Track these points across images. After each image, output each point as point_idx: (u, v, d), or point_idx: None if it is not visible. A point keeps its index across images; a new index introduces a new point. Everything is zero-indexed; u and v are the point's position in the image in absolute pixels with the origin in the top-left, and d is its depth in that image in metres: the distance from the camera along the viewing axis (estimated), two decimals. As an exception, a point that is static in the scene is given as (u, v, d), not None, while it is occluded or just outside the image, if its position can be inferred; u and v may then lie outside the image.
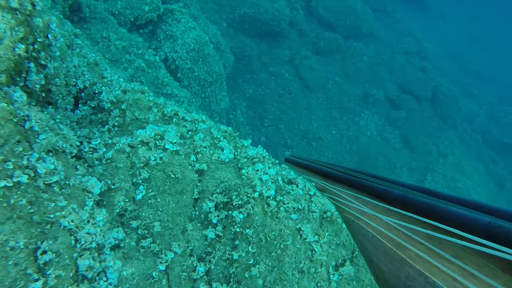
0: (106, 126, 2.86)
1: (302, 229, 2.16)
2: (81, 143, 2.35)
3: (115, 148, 2.43)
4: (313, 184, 1.03)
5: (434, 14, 22.05)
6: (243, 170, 2.50)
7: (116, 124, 2.87)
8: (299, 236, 2.13)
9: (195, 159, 2.55)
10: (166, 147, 2.47)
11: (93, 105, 2.99)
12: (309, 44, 14.31)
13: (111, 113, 2.93)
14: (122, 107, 2.94)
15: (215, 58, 8.11)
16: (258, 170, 2.55)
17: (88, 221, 1.78)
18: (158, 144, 2.49)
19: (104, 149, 2.43)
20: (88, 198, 1.90)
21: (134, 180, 2.31)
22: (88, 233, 1.71)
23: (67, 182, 1.83)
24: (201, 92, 7.76)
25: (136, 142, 2.48)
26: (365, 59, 15.15)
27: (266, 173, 2.54)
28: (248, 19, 12.16)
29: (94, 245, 1.73)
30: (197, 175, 2.45)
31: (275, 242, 2.07)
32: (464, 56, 19.76)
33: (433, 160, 12.39)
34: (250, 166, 2.61)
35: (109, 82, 3.16)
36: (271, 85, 12.10)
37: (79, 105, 3.03)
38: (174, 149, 2.47)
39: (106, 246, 1.87)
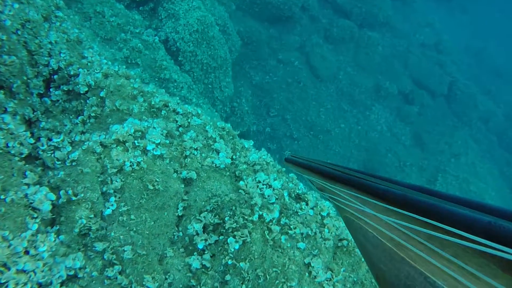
0: (81, 117, 2.38)
1: (312, 264, 1.70)
2: (38, 139, 1.87)
3: (83, 147, 1.95)
4: (314, 184, 1.02)
5: (455, 6, 20.97)
6: (241, 182, 2.02)
7: (92, 114, 2.39)
8: (307, 274, 1.67)
9: (182, 165, 2.07)
10: (147, 148, 1.99)
11: (66, 90, 2.51)
12: (321, 31, 13.58)
13: (88, 100, 2.45)
14: (101, 95, 2.46)
15: (221, 41, 7.53)
16: (259, 182, 2.07)
17: (27, 252, 1.32)
18: (137, 144, 2.01)
19: (69, 148, 1.96)
20: (32, 218, 1.43)
21: (104, 189, 1.85)
22: (22, 271, 1.25)
23: (1, 197, 1.36)
24: (204, 78, 7.23)
25: (110, 141, 2.00)
26: (380, 49, 14.40)
27: (270, 186, 2.06)
28: (258, 1, 11.47)
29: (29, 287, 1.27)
30: (183, 186, 1.98)
31: (277, 281, 1.61)
32: (484, 51, 18.81)
33: (445, 160, 11.83)
34: (250, 175, 2.12)
35: (88, 64, 2.66)
36: (279, 73, 11.50)
37: (51, 90, 2.55)
38: (157, 153, 1.99)
39: (54, 283, 1.41)
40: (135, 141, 2.00)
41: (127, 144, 2.00)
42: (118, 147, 1.98)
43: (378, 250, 0.77)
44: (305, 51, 12.49)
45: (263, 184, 2.07)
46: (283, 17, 12.10)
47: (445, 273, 0.59)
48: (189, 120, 2.57)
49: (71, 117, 2.43)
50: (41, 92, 2.50)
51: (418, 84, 14.39)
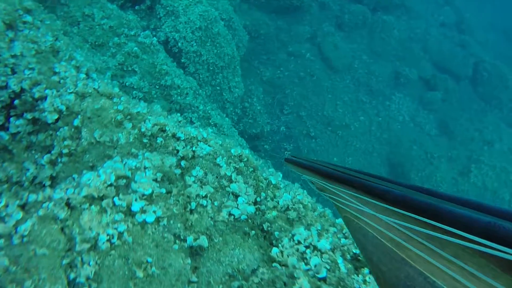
0: (47, 156, 1.78)
1: None
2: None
3: (40, 213, 1.34)
4: (314, 184, 1.02)
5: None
6: (274, 250, 1.37)
7: (65, 151, 1.78)
8: None
9: (186, 225, 1.43)
10: (132, 209, 1.36)
11: (31, 118, 1.91)
12: (332, 19, 12.72)
13: (58, 132, 1.85)
14: (75, 123, 1.84)
15: (227, 38, 6.87)
16: (299, 243, 1.41)
17: None
18: (118, 202, 1.38)
19: (19, 215, 1.35)
20: None
21: (72, 276, 1.23)
22: None
23: None
24: (211, 79, 6.59)
25: (80, 199, 1.38)
26: (396, 34, 13.45)
27: (315, 248, 1.41)
28: (264, -9, 10.71)
29: None
30: (189, 261, 1.34)
31: None
32: None
33: (477, 149, 10.91)
34: (285, 231, 1.47)
35: (60, 81, 2.05)
36: (291, 67, 10.77)
37: (11, 119, 1.95)
38: (149, 219, 1.35)
39: None
40: (115, 198, 1.37)
41: (104, 202, 1.37)
42: (92, 207, 1.36)
43: (378, 250, 0.77)
44: (317, 41, 11.69)
45: (305, 246, 1.42)
46: (291, 7, 11.31)
47: (445, 273, 0.59)
48: (194, 149, 1.93)
49: (36, 156, 1.83)
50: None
51: (440, 68, 13.39)
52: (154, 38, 4.95)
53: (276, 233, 1.49)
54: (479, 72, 13.16)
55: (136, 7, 5.76)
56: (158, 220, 1.37)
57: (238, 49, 8.20)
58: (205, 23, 5.93)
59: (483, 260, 0.53)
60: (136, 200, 1.37)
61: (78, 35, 4.18)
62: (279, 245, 1.40)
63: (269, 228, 1.53)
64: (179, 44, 5.61)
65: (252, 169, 1.88)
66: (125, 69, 4.35)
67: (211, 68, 6.43)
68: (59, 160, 1.77)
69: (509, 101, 12.88)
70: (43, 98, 1.93)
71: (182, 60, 5.79)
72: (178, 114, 2.50)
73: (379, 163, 10.44)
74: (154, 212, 1.38)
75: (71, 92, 1.94)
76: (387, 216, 0.72)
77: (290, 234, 1.47)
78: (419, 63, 13.21)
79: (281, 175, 1.90)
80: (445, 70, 13.31)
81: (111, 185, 1.44)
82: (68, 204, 1.38)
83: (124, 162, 1.60)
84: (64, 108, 1.87)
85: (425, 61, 13.39)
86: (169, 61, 4.97)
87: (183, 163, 1.81)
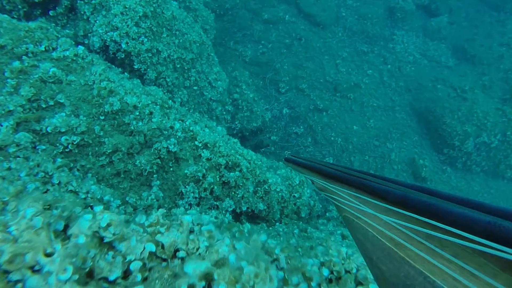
0: None
1: None
2: None
3: None
4: (314, 184, 1.03)
5: None
6: None
7: None
8: None
9: None
10: None
11: None
12: (301, -32, 10.83)
13: None
14: None
15: (187, 21, 5.19)
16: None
17: None
18: None
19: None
20: None
21: None
22: None
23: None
24: (183, 80, 4.96)
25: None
26: (375, -35, 11.57)
27: None
28: (214, -42, 8.86)
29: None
30: None
31: None
32: None
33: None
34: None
35: None
36: (272, 37, 9.06)
37: None
38: None
39: None
40: None
41: None
42: None
43: (377, 249, 0.76)
44: (292, -2, 9.90)
45: None
46: (251, -34, 9.47)
47: (445, 273, 0.59)
48: None
49: None
50: None
51: (436, -12, 11.58)
52: (80, 46, 3.30)
53: None
54: (481, -21, 11.35)
55: (51, 12, 4.08)
56: None
57: (206, 32, 6.51)
58: (150, 7, 4.25)
59: (483, 260, 0.53)
60: None
61: None
62: None
63: None
64: (123, 46, 3.96)
65: None
66: (43, 106, 2.74)
67: (179, 66, 4.79)
68: None
69: (524, 2, 11.12)
70: None
71: (136, 67, 4.15)
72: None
73: (405, 116, 8.89)
74: None
75: None
76: (387, 216, 0.71)
77: None
78: (412, -10, 11.40)
79: None
80: (442, -11, 11.50)
81: None
82: None
83: None
84: None
85: (417, -14, 11.58)
86: (112, 74, 3.34)
87: None
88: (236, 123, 6.76)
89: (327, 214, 4.80)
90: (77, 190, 2.05)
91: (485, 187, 8.25)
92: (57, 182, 2.01)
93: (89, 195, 2.12)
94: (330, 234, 3.63)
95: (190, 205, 2.96)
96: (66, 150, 2.58)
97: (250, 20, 9.09)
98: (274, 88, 8.41)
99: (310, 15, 9.81)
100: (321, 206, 4.69)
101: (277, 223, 3.78)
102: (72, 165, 2.58)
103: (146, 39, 4.18)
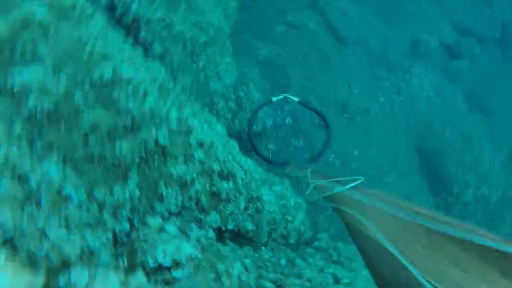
0: None
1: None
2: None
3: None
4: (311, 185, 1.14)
5: None
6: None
7: None
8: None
9: None
10: None
11: None
12: (334, -22, 10.42)
13: None
14: None
15: (210, 0, 4.68)
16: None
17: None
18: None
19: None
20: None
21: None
22: None
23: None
24: (191, 63, 4.45)
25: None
26: (409, -8, 11.27)
27: None
28: None
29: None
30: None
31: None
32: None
33: (523, 125, 9.08)
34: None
35: None
36: (291, 41, 8.61)
37: None
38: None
39: None
40: None
41: None
42: None
43: (378, 254, 0.76)
44: (319, 6, 9.47)
45: None
46: (286, -37, 9.00)
47: (446, 278, 0.58)
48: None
49: None
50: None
51: (463, 30, 11.36)
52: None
53: None
54: (508, 31, 11.17)
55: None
56: None
57: (227, 18, 6.00)
58: (173, -27, 3.73)
59: (484, 265, 0.53)
60: None
61: None
62: None
63: None
64: (133, 9, 3.42)
65: None
66: (18, 54, 2.20)
67: (189, 47, 4.27)
68: None
69: (546, 64, 10.99)
70: None
71: (141, 35, 3.62)
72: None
73: (408, 152, 8.56)
74: None
75: None
76: (388, 217, 0.75)
77: None
78: (439, 26, 11.15)
79: None
80: (469, 33, 11.29)
81: None
82: None
83: None
84: None
85: (445, 23, 11.34)
86: (111, 36, 2.81)
87: None
88: (236, 122, 6.26)
89: (315, 243, 4.36)
90: (28, 175, 1.54)
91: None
92: (3, 160, 1.49)
93: (43, 183, 1.60)
94: (320, 271, 3.18)
95: (170, 213, 2.45)
96: (33, 118, 2.05)
97: (273, 18, 8.61)
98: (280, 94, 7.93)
99: (334, 28, 9.41)
100: (311, 233, 4.25)
101: (263, 247, 3.30)
102: (35, 137, 2.04)
103: (160, 7, 3.65)
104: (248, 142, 3.01)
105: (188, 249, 1.39)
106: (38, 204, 1.39)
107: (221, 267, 1.61)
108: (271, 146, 7.12)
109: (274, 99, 2.88)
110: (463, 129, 8.76)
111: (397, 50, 10.14)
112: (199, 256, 1.45)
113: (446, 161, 8.13)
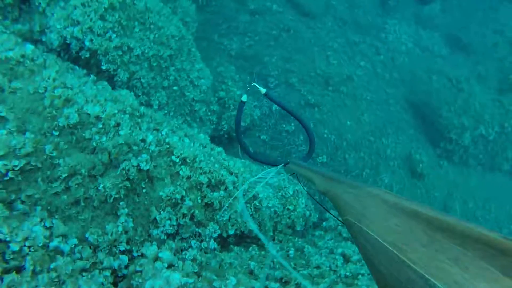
0: None
1: None
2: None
3: None
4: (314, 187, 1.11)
5: None
6: None
7: None
8: None
9: None
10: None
11: None
12: (287, -46, 10.23)
13: None
14: None
15: (163, 13, 4.64)
16: None
17: None
18: None
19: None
20: None
21: None
22: None
23: None
24: (161, 79, 4.44)
25: None
26: (365, -50, 11.05)
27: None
28: None
29: None
30: None
31: None
32: None
33: (507, 53, 8.99)
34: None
35: None
36: (259, 28, 8.52)
37: None
38: None
39: None
40: None
41: None
42: None
43: (378, 252, 0.77)
44: (279, -14, 9.34)
45: None
46: (234, -48, 8.84)
47: (446, 277, 0.59)
48: None
49: None
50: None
51: (427, -26, 11.16)
52: (28, 45, 2.76)
53: None
54: (473, -36, 10.94)
55: (-1, 5, 3.48)
56: None
57: (186, 26, 5.95)
58: (118, -3, 3.69)
59: (484, 264, 0.54)
60: None
61: None
62: None
63: None
64: (87, 43, 3.40)
65: None
66: (-23, 122, 2.21)
67: (155, 64, 4.25)
68: None
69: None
70: None
71: (103, 67, 3.61)
72: None
73: (400, 109, 8.53)
74: None
75: None
76: (389, 219, 0.75)
77: None
78: (403, -24, 10.96)
79: None
80: (434, -25, 11.08)
81: None
82: None
83: None
84: None
85: (408, -28, 11.14)
86: (71, 78, 2.81)
87: None
88: (223, 123, 6.27)
89: (323, 223, 4.41)
90: (8, 239, 1.57)
91: (482, 181, 8.02)
92: (-19, 231, 1.52)
93: (26, 243, 1.63)
94: (330, 253, 3.22)
95: (167, 235, 2.49)
96: (5, 178, 2.07)
97: (236, 11, 8.52)
98: (263, 83, 7.91)
99: (298, 4, 9.29)
100: (317, 215, 4.29)
101: (271, 242, 3.35)
102: (13, 196, 2.07)
103: (114, 35, 3.63)
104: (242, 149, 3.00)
105: (177, 278, 1.42)
106: (20, 269, 1.42)
107: (217, 284, 1.65)
108: (263, 136, 7.13)
109: (244, 98, 2.87)
110: (449, 73, 8.70)
111: (367, 10, 10.02)
112: (190, 281, 1.48)
113: (439, 109, 8.11)
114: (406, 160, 7.78)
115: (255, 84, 3.22)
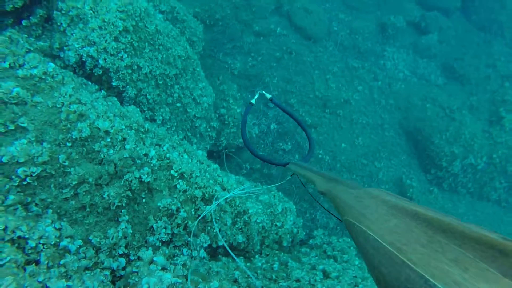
0: None
1: None
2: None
3: None
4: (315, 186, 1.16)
5: None
6: None
7: None
8: None
9: None
10: None
11: None
12: (294, -19, 10.77)
13: None
14: None
15: (172, 34, 5.00)
16: None
17: None
18: None
19: None
20: None
21: None
22: None
23: None
24: (166, 96, 4.76)
25: None
26: (368, -20, 11.61)
27: None
28: (207, -33, 8.71)
29: None
30: None
31: None
32: None
33: (498, 87, 9.36)
34: None
35: None
36: (263, 49, 8.93)
37: None
38: None
39: None
40: None
41: None
42: None
43: (378, 253, 0.78)
44: (284, 10, 9.82)
45: None
46: (244, -23, 9.35)
47: (446, 277, 0.58)
48: None
49: None
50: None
51: (426, 6, 11.70)
52: (50, 63, 3.08)
53: None
54: None
55: (24, 22, 3.84)
56: None
57: (193, 45, 6.33)
58: (132, 21, 4.05)
59: (484, 265, 0.55)
60: None
61: None
62: None
63: None
64: (101, 62, 3.74)
65: None
66: (1, 130, 2.51)
67: (161, 82, 4.58)
68: None
69: (510, 22, 11.30)
70: None
71: (114, 84, 3.93)
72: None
73: (394, 135, 8.84)
74: None
75: None
76: (389, 220, 0.76)
77: None
78: (402, 7, 11.49)
79: None
80: (432, 7, 11.63)
81: None
82: None
83: None
84: None
85: (408, 3, 11.67)
86: (85, 94, 3.12)
87: None
88: (222, 139, 6.57)
89: (310, 241, 4.63)
90: (26, 236, 1.83)
91: (471, 209, 8.24)
92: (3, 227, 1.78)
93: (41, 241, 1.89)
94: (311, 269, 3.45)
95: (162, 242, 2.74)
96: (23, 183, 2.35)
97: (241, 32, 8.95)
98: (263, 102, 8.25)
99: (301, 28, 9.73)
100: (304, 233, 4.52)
101: (257, 255, 3.59)
102: (29, 199, 2.34)
103: (126, 55, 3.96)
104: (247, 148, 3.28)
105: (169, 277, 1.66)
106: (38, 262, 1.67)
107: (202, 286, 1.89)
108: (260, 153, 7.42)
109: (252, 101, 3.29)
110: (443, 102, 9.05)
111: (367, 37, 10.46)
112: (179, 281, 1.73)
113: (431, 136, 8.41)
114: (397, 185, 8.03)
115: (263, 91, 3.58)
